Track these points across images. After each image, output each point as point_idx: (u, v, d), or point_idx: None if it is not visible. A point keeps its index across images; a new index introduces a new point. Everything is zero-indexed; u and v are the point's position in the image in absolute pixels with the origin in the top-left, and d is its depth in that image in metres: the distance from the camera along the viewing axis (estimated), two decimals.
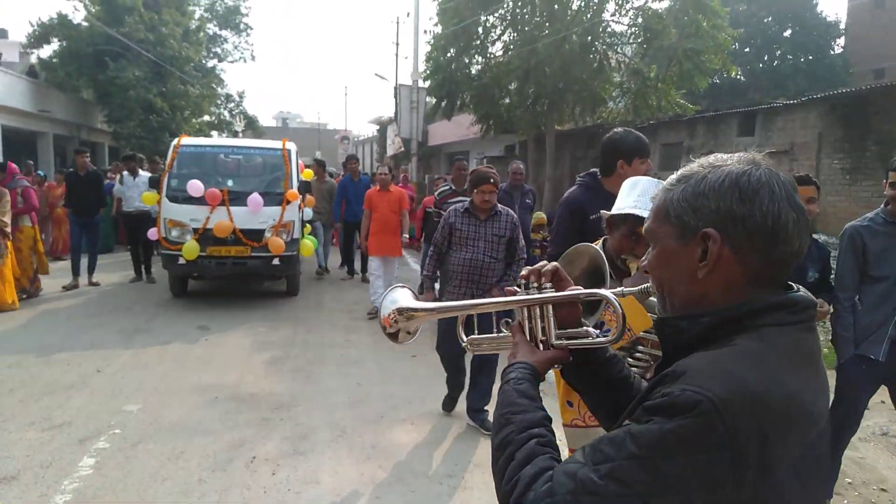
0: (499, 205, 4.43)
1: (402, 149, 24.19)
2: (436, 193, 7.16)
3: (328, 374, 5.60)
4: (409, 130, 15.11)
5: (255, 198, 7.69)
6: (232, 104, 32.89)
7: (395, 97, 15.83)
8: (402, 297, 1.39)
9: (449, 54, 16.11)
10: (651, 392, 0.92)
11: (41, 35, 23.70)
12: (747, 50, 24.13)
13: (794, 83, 22.80)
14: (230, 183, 8.23)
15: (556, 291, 1.22)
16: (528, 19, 15.13)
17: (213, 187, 7.73)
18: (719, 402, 0.83)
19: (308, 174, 9.65)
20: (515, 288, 1.27)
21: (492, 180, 4.25)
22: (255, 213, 7.68)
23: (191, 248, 7.45)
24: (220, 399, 4.89)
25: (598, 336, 1.23)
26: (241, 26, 31.91)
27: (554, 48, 13.31)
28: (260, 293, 9.08)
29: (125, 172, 9.81)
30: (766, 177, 0.96)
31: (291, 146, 8.79)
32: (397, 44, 26.12)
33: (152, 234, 8.16)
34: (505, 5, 15.29)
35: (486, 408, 4.46)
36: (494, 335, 1.41)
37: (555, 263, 1.25)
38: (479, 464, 3.93)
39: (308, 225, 9.33)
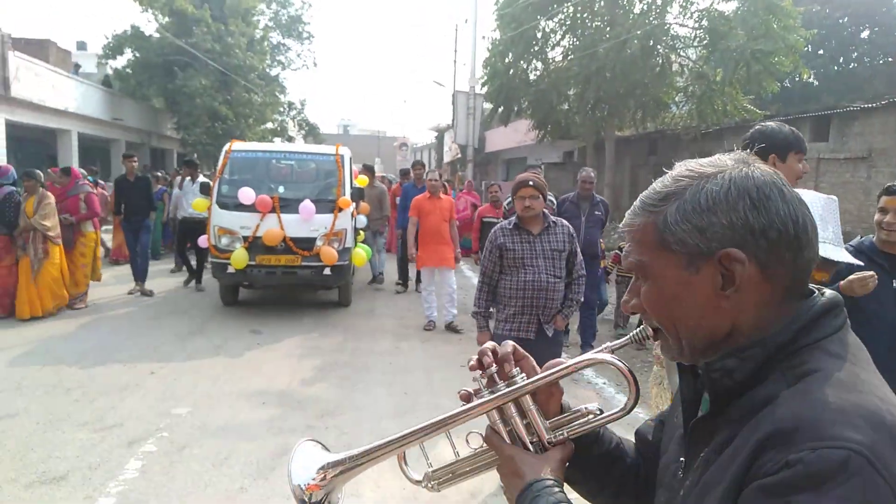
0: (549, 215, 3.85)
1: (459, 155, 24.15)
2: (505, 203, 6.63)
3: (375, 382, 5.52)
4: (465, 137, 15.01)
5: (306, 205, 7.48)
6: (294, 111, 33.67)
7: (453, 104, 15.78)
8: (304, 467, 1.01)
9: (507, 60, 15.99)
10: (748, 467, 0.71)
11: (116, 46, 24.81)
12: (821, 52, 23.04)
13: (872, 86, 21.60)
14: (281, 190, 8.01)
15: (526, 375, 0.98)
16: (589, 24, 14.86)
17: (263, 194, 7.56)
18: (867, 449, 0.65)
19: (362, 181, 9.37)
20: (468, 390, 1.02)
21: (531, 183, 3.64)
22: (306, 221, 7.46)
23: (240, 257, 7.27)
24: (268, 404, 4.88)
25: (602, 412, 0.98)
26: (304, 35, 32.64)
27: (615, 52, 13.02)
28: (312, 298, 9.04)
29: (186, 178, 9.82)
30: (767, 176, 0.80)
31: (345, 151, 8.51)
32: (456, 50, 26.18)
33: (202, 241, 7.94)
34: (565, 10, 15.06)
35: None
36: (466, 457, 1.09)
37: (510, 342, 1.01)
38: None
39: (361, 232, 9.12)
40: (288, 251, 7.42)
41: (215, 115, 23.91)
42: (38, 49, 20.26)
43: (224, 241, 7.47)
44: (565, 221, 3.91)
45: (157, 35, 24.56)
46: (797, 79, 16.06)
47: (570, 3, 14.78)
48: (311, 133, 33.69)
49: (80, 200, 7.89)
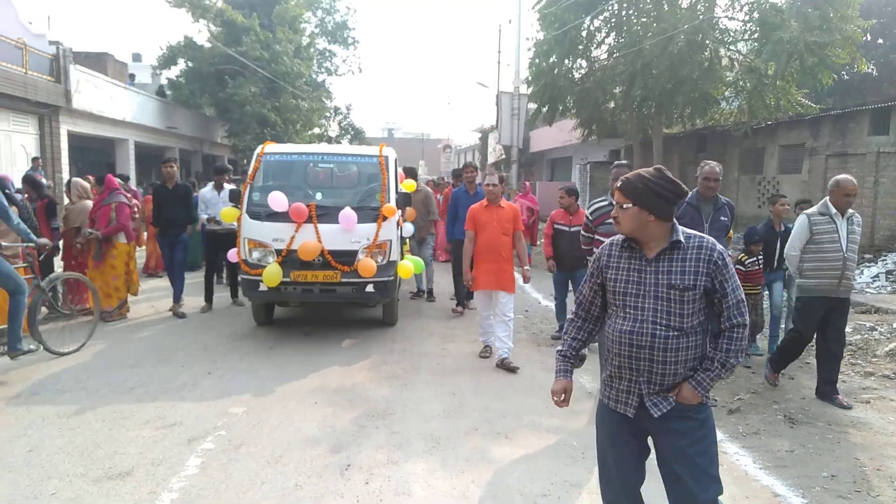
0: (681, 228, 2.46)
1: (504, 156, 24.11)
2: (588, 211, 5.19)
3: (424, 383, 5.58)
4: (509, 137, 14.96)
5: (347, 213, 6.60)
6: (340, 116, 34.20)
7: (497, 105, 15.76)
8: None
9: (551, 60, 15.90)
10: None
11: (169, 57, 25.66)
12: (881, 41, 22.16)
13: None
14: (319, 196, 7.17)
15: None
16: (635, 20, 14.65)
17: (299, 201, 6.71)
18: None
19: (410, 186, 8.52)
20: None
21: (618, 184, 2.51)
22: (347, 232, 6.61)
23: (272, 274, 6.43)
24: (319, 404, 4.99)
25: None
26: (349, 41, 33.12)
27: (660, 48, 12.80)
28: (355, 315, 8.32)
29: (209, 185, 8.77)
30: None
31: (390, 152, 7.55)
32: (499, 51, 26.08)
33: (232, 255, 7.13)
34: (610, 8, 14.89)
35: None
36: None
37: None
38: (575, 483, 3.75)
39: (406, 241, 8.44)
40: (326, 266, 6.56)
41: (264, 121, 24.50)
42: (97, 62, 21.16)
43: (255, 255, 6.72)
44: (709, 240, 2.44)
45: (208, 45, 25.29)
46: (855, 70, 15.48)
47: (614, 1, 14.60)
48: (357, 137, 34.16)
49: (111, 211, 7.47)
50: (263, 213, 6.75)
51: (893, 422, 4.82)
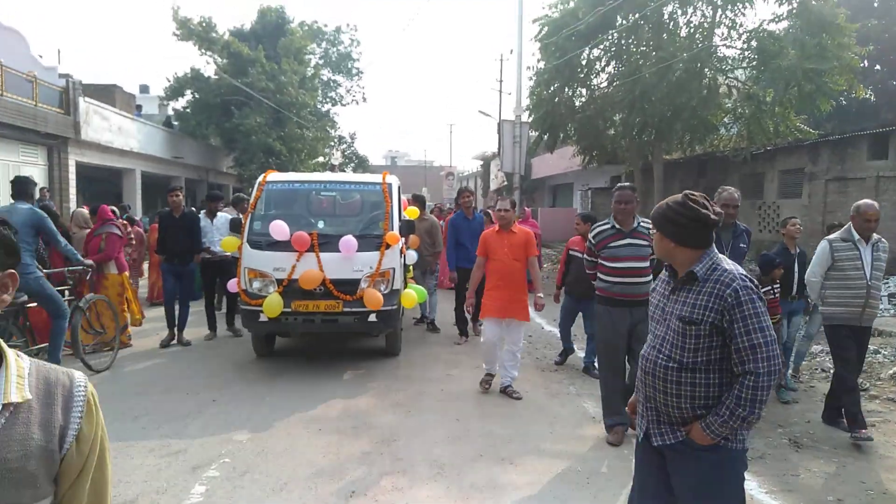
0: (718, 260, 2.37)
1: (505, 182, 24.27)
2: (591, 234, 5.05)
3: (428, 408, 5.59)
4: (511, 164, 15.13)
5: (348, 241, 6.49)
6: (344, 145, 34.57)
7: (499, 132, 15.96)
8: None
9: (552, 88, 16.11)
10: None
11: (177, 88, 26.10)
12: (878, 68, 22.40)
13: None
14: (321, 225, 7.09)
15: None
16: (634, 49, 14.88)
17: (300, 230, 6.61)
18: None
19: (413, 213, 8.40)
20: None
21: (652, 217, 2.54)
22: (347, 260, 6.52)
23: (273, 304, 6.33)
24: (324, 431, 4.99)
25: None
26: (353, 71, 33.61)
27: (659, 76, 12.98)
28: (357, 345, 8.16)
29: (202, 213, 8.70)
30: None
31: (393, 180, 7.53)
32: (501, 80, 26.48)
33: (232, 285, 6.93)
34: (610, 37, 15.13)
35: None
36: None
37: None
38: None
39: (410, 268, 8.40)
40: (328, 295, 6.46)
41: (269, 150, 24.78)
42: (105, 94, 21.47)
43: (256, 284, 6.60)
44: (731, 275, 2.29)
45: (215, 77, 25.71)
46: (853, 96, 15.65)
47: (614, 31, 14.84)
48: (361, 165, 34.49)
49: (101, 241, 7.39)
50: (264, 243, 6.65)
51: None
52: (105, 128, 18.11)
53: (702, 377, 2.27)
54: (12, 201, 6.26)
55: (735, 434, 2.29)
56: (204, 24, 25.68)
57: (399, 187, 7.80)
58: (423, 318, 9.19)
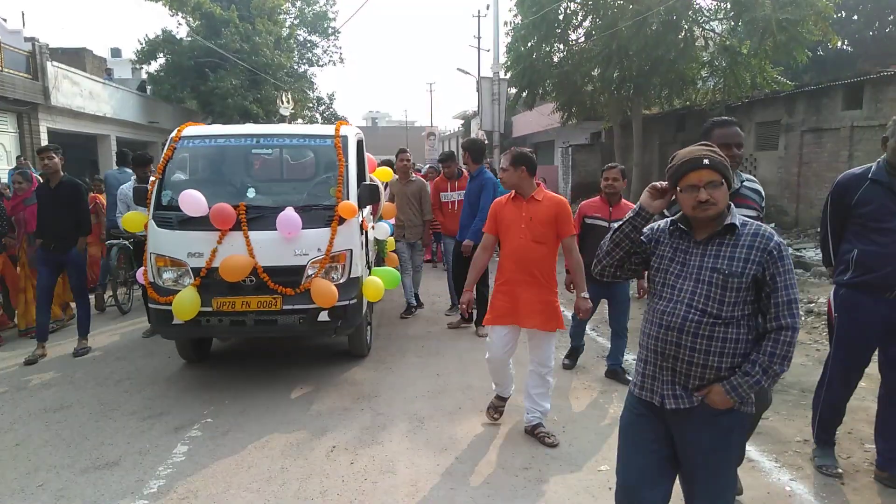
0: (738, 213, 2.26)
1: (486, 141, 24.16)
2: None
3: (408, 365, 5.67)
4: (491, 123, 15.04)
5: (287, 217, 4.87)
6: (322, 106, 34.05)
7: (478, 90, 15.79)
8: None
9: (529, 44, 15.93)
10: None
11: (149, 52, 25.45)
12: (856, 18, 22.35)
13: None
14: (251, 194, 5.36)
15: None
16: (611, 2, 14.71)
17: (224, 201, 4.95)
18: None
19: (385, 173, 7.23)
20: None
21: (706, 163, 2.19)
22: (288, 241, 4.92)
23: (184, 303, 4.72)
24: (305, 389, 5.07)
25: None
26: (329, 31, 32.91)
27: (635, 29, 12.87)
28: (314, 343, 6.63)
29: (131, 181, 7.26)
30: None
31: (349, 132, 5.77)
32: (479, 37, 26.11)
33: (139, 275, 5.44)
34: None
35: None
36: None
37: None
38: (556, 456, 3.85)
39: (391, 241, 7.13)
40: (262, 289, 4.87)
41: (246, 113, 24.41)
42: (75, 58, 20.90)
43: (167, 275, 4.99)
44: (767, 228, 2.23)
45: (187, 38, 25.08)
46: (829, 47, 15.64)
47: None
48: None
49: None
50: (175, 220, 5.03)
51: (864, 387, 4.95)
52: (76, 93, 17.68)
53: (734, 333, 2.16)
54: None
55: (748, 397, 2.21)
56: None
57: (361, 142, 6.13)
58: (411, 308, 7.59)
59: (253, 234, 4.91)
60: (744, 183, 3.17)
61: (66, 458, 3.92)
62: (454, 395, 4.90)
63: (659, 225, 2.39)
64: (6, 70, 14.54)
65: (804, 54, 12.69)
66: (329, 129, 5.75)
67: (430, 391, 5.00)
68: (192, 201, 4.93)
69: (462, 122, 40.58)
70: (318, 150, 6.00)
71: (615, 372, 5.29)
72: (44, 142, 16.13)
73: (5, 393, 5.11)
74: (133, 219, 5.76)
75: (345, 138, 5.59)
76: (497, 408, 4.40)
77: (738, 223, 2.19)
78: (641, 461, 2.34)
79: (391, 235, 7.02)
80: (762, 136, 14.08)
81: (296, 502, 3.37)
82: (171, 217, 5.06)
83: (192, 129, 5.68)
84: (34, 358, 5.93)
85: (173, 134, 5.60)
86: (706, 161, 2.18)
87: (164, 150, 5.47)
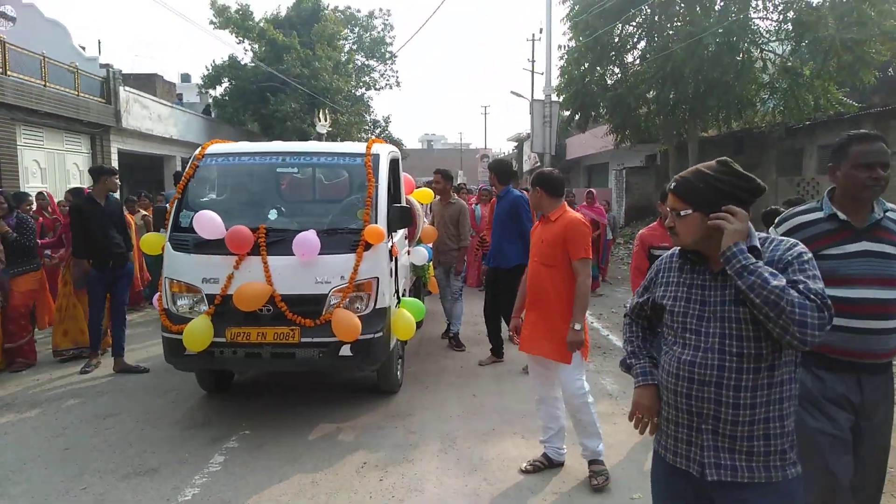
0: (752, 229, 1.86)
1: (538, 163, 24.12)
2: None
3: (446, 384, 5.67)
4: (542, 145, 14.99)
5: (305, 239, 4.53)
6: (379, 129, 34.76)
7: (530, 113, 15.81)
8: None
9: (583, 67, 15.91)
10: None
11: (214, 76, 26.60)
12: None
13: None
14: (272, 216, 5.05)
15: None
16: (666, 25, 14.56)
17: (242, 223, 4.68)
18: None
19: (425, 194, 6.85)
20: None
21: (671, 186, 1.97)
22: (308, 267, 4.58)
23: (196, 332, 4.46)
24: (341, 405, 5.13)
25: None
26: (387, 55, 33.68)
27: (691, 51, 12.68)
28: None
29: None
30: None
31: (381, 150, 5.40)
32: (532, 60, 26.18)
33: (156, 301, 5.11)
34: (641, 13, 14.83)
35: None
36: None
37: None
38: (588, 482, 3.77)
39: (430, 267, 6.71)
40: (279, 319, 4.54)
41: (304, 136, 25.12)
42: (147, 83, 22.02)
43: (181, 302, 4.74)
44: (791, 241, 1.89)
45: (251, 64, 26.12)
46: None
47: (645, 6, 14.53)
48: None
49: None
50: (192, 243, 4.75)
51: None
52: (145, 116, 18.58)
53: (778, 376, 1.81)
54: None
55: (784, 455, 1.83)
56: (241, 12, 26.07)
57: (395, 161, 5.80)
58: (448, 331, 7.19)
59: (272, 260, 4.58)
60: (887, 213, 2.48)
61: (110, 463, 4.08)
62: (489, 417, 4.87)
63: (664, 258, 2.10)
64: (82, 94, 15.43)
65: (871, 75, 12.24)
66: (360, 147, 5.39)
67: (465, 411, 4.99)
68: (208, 223, 4.65)
69: (516, 144, 40.65)
70: (352, 170, 5.63)
71: None
72: (115, 162, 17.01)
73: (60, 399, 5.36)
74: (151, 241, 5.28)
75: (376, 157, 5.20)
76: (534, 462, 3.99)
77: (758, 244, 1.84)
78: None
79: (429, 261, 6.61)
80: (825, 159, 13.56)
81: None
82: (187, 240, 4.77)
83: (216, 147, 5.45)
84: (90, 368, 6.16)
85: (197, 151, 5.33)
86: (672, 185, 1.94)
87: (186, 169, 5.19)
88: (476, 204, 10.27)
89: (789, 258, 1.80)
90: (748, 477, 1.81)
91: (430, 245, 6.74)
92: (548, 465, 3.99)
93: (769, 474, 1.81)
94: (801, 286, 1.71)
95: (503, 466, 4.01)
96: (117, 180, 6.29)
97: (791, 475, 1.83)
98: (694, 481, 1.91)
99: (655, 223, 4.49)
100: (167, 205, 5.37)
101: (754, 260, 1.75)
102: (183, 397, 5.36)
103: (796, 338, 1.67)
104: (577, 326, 3.66)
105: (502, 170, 6.24)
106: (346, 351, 4.56)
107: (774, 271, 1.74)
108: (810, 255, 1.82)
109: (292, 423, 4.74)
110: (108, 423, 4.77)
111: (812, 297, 1.68)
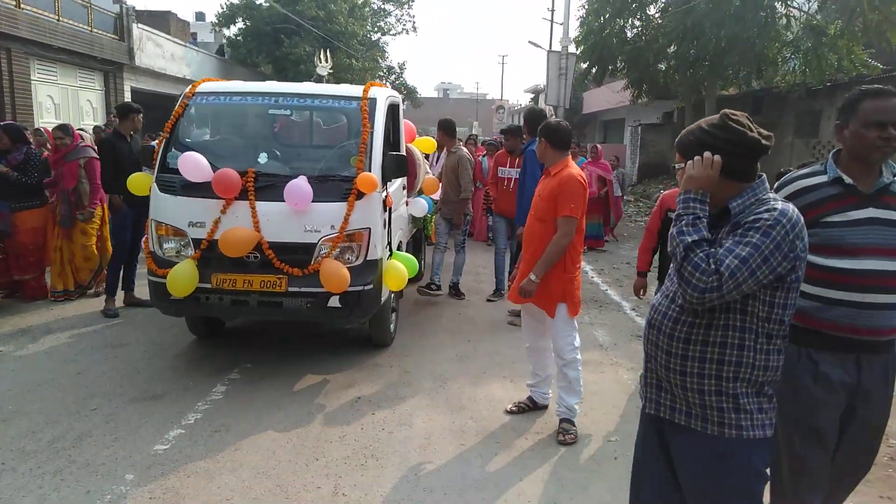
0: (753, 189, 1.84)
1: (553, 116, 23.87)
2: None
3: (442, 328, 5.86)
4: (556, 98, 14.83)
5: (297, 186, 4.36)
6: (393, 76, 34.34)
7: (547, 64, 15.59)
8: None
9: (602, 19, 15.58)
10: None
11: (229, 16, 26.27)
12: None
13: None
14: (262, 159, 4.79)
15: None
16: None
17: (231, 166, 4.49)
18: None
19: (427, 144, 6.71)
20: None
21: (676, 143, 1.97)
22: (298, 215, 4.43)
23: (180, 277, 4.33)
24: (340, 345, 5.33)
25: None
26: (403, 0, 33.00)
27: (713, 5, 12.39)
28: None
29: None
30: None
31: (380, 93, 5.13)
32: (552, 10, 25.59)
33: (144, 243, 4.91)
34: None
35: None
36: None
37: None
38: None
39: (430, 217, 6.67)
40: (267, 267, 4.41)
41: (318, 80, 24.92)
42: (160, 20, 21.81)
43: (168, 245, 4.60)
44: (779, 209, 1.75)
45: (266, 4, 25.75)
46: None
47: None
48: (410, 97, 34.25)
49: (79, 167, 6.24)
50: (179, 185, 4.58)
51: None
52: (158, 54, 18.51)
53: (721, 337, 1.78)
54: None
55: (747, 413, 1.78)
56: None
57: (395, 106, 5.63)
58: (431, 285, 6.80)
59: (260, 206, 4.42)
60: None
61: (118, 388, 4.31)
62: (480, 360, 5.06)
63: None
64: (95, 31, 15.38)
65: None
66: (356, 90, 5.13)
67: (458, 355, 5.17)
68: (193, 165, 4.44)
69: (532, 95, 40.09)
70: (349, 114, 5.17)
71: None
72: (128, 100, 17.04)
73: (74, 328, 5.59)
74: (138, 181, 5.00)
75: (373, 101, 4.94)
76: (519, 404, 4.15)
77: (734, 206, 1.80)
78: (654, 480, 2.04)
79: (430, 212, 6.48)
80: None
81: (315, 443, 3.62)
82: (174, 181, 4.60)
83: (208, 85, 5.20)
84: (113, 310, 5.98)
85: (187, 90, 5.09)
86: (676, 142, 1.93)
87: (176, 107, 4.94)
88: (483, 156, 10.22)
89: (747, 223, 1.73)
90: (685, 421, 1.86)
91: (432, 196, 6.64)
92: (532, 407, 4.16)
93: (705, 425, 1.82)
94: (717, 247, 1.72)
95: (490, 406, 4.20)
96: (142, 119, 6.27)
97: (729, 435, 1.78)
98: (656, 422, 1.97)
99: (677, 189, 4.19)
100: (155, 144, 5.25)
101: (693, 210, 1.77)
102: (188, 331, 5.56)
103: (684, 294, 1.72)
104: (533, 277, 3.67)
105: (535, 119, 5.76)
106: (334, 302, 4.45)
107: (699, 226, 1.75)
108: (773, 222, 1.69)
109: (293, 359, 4.95)
110: (117, 352, 5.00)
111: (711, 260, 1.68)
